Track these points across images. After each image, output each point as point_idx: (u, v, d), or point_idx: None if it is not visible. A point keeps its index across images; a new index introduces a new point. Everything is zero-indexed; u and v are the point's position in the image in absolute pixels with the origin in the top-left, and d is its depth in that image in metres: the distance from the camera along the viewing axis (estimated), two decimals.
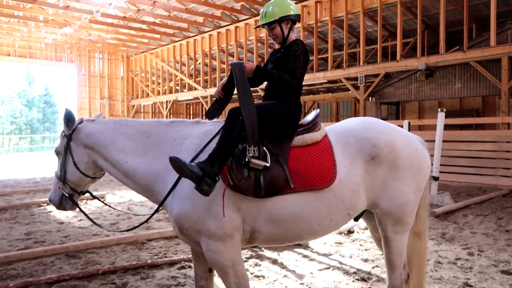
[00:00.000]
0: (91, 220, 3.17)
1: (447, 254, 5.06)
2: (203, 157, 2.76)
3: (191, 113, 29.13)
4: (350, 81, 14.63)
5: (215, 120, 3.07)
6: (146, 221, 3.19)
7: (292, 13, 3.05)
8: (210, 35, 19.47)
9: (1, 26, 19.58)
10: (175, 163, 2.54)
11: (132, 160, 2.92)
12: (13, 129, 45.08)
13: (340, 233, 6.04)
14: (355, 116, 19.72)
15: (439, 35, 12.02)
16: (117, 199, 9.24)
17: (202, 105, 26.18)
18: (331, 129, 3.09)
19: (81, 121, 3.08)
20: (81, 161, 3.00)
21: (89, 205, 8.41)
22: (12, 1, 16.50)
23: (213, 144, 2.79)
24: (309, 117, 3.03)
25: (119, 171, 2.96)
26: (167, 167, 2.79)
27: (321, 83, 16.82)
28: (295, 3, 15.27)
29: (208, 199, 2.66)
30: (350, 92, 14.93)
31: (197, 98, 21.58)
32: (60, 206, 3.05)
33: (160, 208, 2.91)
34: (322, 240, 5.67)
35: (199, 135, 2.91)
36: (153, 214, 3.00)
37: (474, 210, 7.48)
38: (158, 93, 23.71)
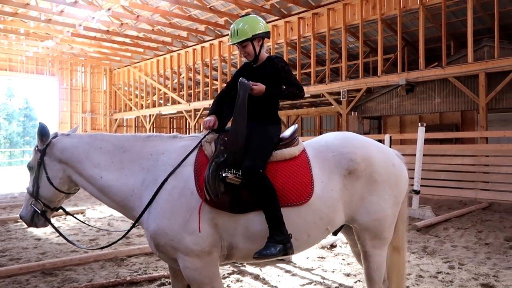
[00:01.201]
0: (63, 237, 3.09)
1: (428, 267, 5.08)
2: (182, 171, 2.74)
3: (175, 127, 28.99)
4: (333, 95, 14.79)
5: (192, 134, 3.06)
6: (121, 238, 3.14)
7: (262, 30, 3.08)
8: (194, 49, 19.52)
9: None
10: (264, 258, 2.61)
11: (107, 176, 2.86)
12: None
13: (322, 248, 6.02)
14: (338, 130, 19.94)
15: (418, 51, 12.29)
16: (97, 214, 9.07)
17: (186, 119, 26.09)
18: (309, 143, 3.09)
19: (55, 136, 3.01)
20: (55, 176, 2.92)
21: (68, 221, 8.22)
22: None
23: (190, 159, 2.77)
24: (288, 132, 3.04)
25: (94, 187, 2.90)
26: (143, 183, 2.76)
27: (304, 98, 16.94)
28: (279, 19, 15.59)
29: (184, 215, 2.63)
30: (333, 106, 15.08)
31: (181, 112, 21.50)
32: (32, 223, 2.96)
33: (136, 224, 2.86)
34: (305, 254, 5.64)
35: (176, 150, 2.88)
36: (128, 231, 2.95)
37: (454, 223, 7.56)
38: (141, 107, 23.56)
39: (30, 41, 19.58)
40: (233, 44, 3.13)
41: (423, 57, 12.06)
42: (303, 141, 3.11)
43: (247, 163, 2.68)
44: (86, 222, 3.37)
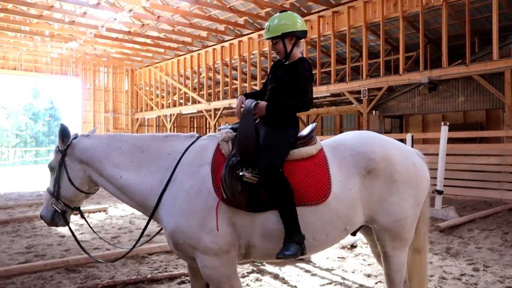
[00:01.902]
0: (77, 241, 3.15)
1: (451, 269, 4.98)
2: (199, 170, 2.76)
3: (195, 126, 29.22)
4: (353, 94, 14.65)
5: (210, 134, 3.07)
6: (133, 247, 3.06)
7: (296, 29, 3.02)
8: (214, 49, 19.63)
9: (7, 41, 19.84)
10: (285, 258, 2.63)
11: (126, 175, 2.90)
12: (18, 142, 45.33)
13: (343, 248, 5.97)
14: (358, 130, 19.72)
15: (441, 49, 12.05)
16: (119, 212, 9.21)
17: (206, 118, 26.27)
18: (326, 143, 3.07)
19: (75, 136, 3.06)
20: (76, 177, 2.97)
21: (91, 219, 8.38)
22: (19, 17, 16.76)
23: (207, 158, 2.79)
24: (305, 131, 3.02)
25: (114, 186, 2.95)
26: (161, 182, 2.79)
27: (324, 97, 16.85)
28: None
29: (202, 214, 2.65)
30: (353, 105, 14.93)
31: (201, 112, 21.67)
32: (52, 222, 3.02)
33: (156, 225, 2.90)
34: (325, 254, 5.61)
35: (193, 149, 2.90)
36: (141, 234, 2.99)
37: (479, 224, 7.39)
38: (162, 107, 23.84)
39: (54, 43, 20.06)
40: (265, 39, 3.12)
41: (446, 54, 11.82)
42: (322, 140, 3.09)
43: (265, 162, 2.68)
44: (92, 229, 3.41)
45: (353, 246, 6.06)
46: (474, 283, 4.48)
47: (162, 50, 21.30)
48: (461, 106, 12.48)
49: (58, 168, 2.99)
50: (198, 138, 3.02)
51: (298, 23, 3.04)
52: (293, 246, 2.58)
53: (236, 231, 2.69)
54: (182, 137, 3.04)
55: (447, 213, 7.89)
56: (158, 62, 23.53)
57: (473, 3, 12.03)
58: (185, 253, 2.77)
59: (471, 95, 12.14)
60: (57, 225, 3.05)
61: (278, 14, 3.12)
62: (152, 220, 2.91)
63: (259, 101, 2.93)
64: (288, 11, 3.14)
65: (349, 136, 3.08)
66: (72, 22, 16.96)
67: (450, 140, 9.51)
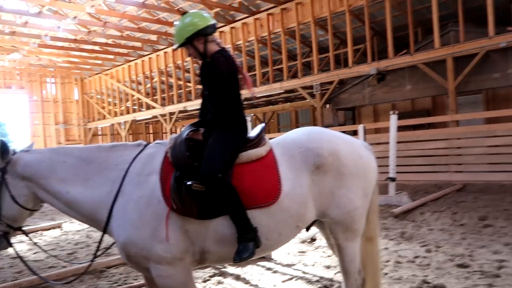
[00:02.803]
0: (24, 263, 3.05)
1: (406, 253, 5.18)
2: (147, 180, 2.71)
3: (151, 132, 28.70)
4: (306, 89, 14.87)
5: (157, 141, 3.02)
6: (90, 264, 3.00)
7: (199, 28, 2.92)
8: (165, 52, 19.35)
9: None
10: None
11: (73, 190, 2.81)
12: None
13: (303, 242, 6.06)
14: (314, 124, 20.05)
15: (387, 40, 12.47)
16: (75, 227, 8.90)
17: (162, 124, 25.87)
18: (276, 141, 3.08)
19: (13, 152, 2.92)
20: (20, 194, 2.84)
21: (45, 236, 8.06)
22: None
23: (156, 168, 2.75)
24: (254, 132, 3.02)
25: (61, 202, 2.85)
26: (109, 194, 2.73)
27: (279, 94, 17.01)
28: (248, 17, 15.57)
29: (153, 224, 2.62)
30: (307, 100, 15.17)
31: (156, 117, 21.32)
32: None
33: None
34: (285, 250, 5.67)
35: (141, 159, 2.85)
36: (97, 250, 2.90)
37: (430, 207, 7.71)
38: (116, 114, 23.24)
39: None
40: (177, 48, 3.07)
41: (391, 45, 12.25)
42: (271, 139, 3.12)
43: (204, 169, 2.67)
44: (38, 245, 3.29)
45: (313, 240, 6.17)
46: (427, 264, 4.68)
47: (111, 56, 20.76)
48: (408, 94, 12.97)
49: None
50: (145, 146, 2.96)
51: (200, 21, 2.94)
52: (248, 244, 2.61)
53: (189, 238, 2.67)
54: (129, 146, 2.98)
55: (401, 198, 8.18)
56: (109, 69, 22.91)
57: None
58: (139, 264, 2.73)
59: (417, 83, 12.63)
60: None
61: (178, 20, 3.04)
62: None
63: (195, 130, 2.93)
64: (188, 12, 3.02)
65: (297, 134, 3.11)
66: (13, 33, 16.21)
67: (400, 128, 9.87)
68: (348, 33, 13.18)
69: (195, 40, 2.96)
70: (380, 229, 6.30)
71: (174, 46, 3.07)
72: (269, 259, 5.35)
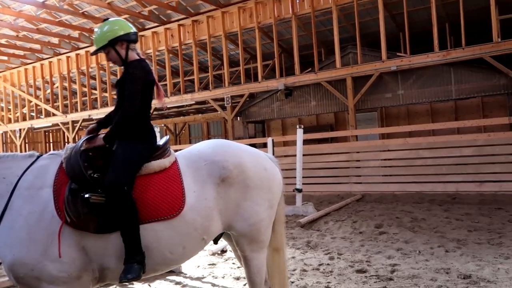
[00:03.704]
0: None
1: (311, 261, 5.42)
2: (39, 194, 2.53)
3: (51, 140, 26.63)
4: (218, 101, 15.00)
5: (52, 152, 2.83)
6: None
7: (124, 32, 2.91)
8: (68, 57, 18.19)
9: None
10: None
11: None
12: None
13: (213, 254, 6.04)
14: (225, 136, 20.23)
15: (294, 57, 13.12)
16: None
17: (64, 132, 24.15)
18: (181, 153, 3.06)
19: None
20: None
21: None
22: None
23: (49, 180, 2.58)
24: (159, 143, 2.98)
25: None
26: None
27: (190, 105, 16.93)
28: (158, 26, 15.31)
29: (45, 241, 2.44)
30: (218, 112, 15.30)
31: (57, 125, 19.86)
32: None
33: None
34: (195, 263, 5.61)
35: (32, 171, 2.64)
36: None
37: (333, 216, 8.18)
38: (10, 121, 21.19)
39: None
40: (95, 52, 2.97)
41: (298, 63, 12.92)
42: (178, 151, 3.09)
43: (109, 179, 2.58)
44: None
45: (223, 251, 6.18)
46: (330, 271, 4.95)
47: (5, 58, 18.94)
48: (313, 110, 13.73)
49: None
50: (38, 157, 2.75)
51: (125, 26, 2.95)
52: (135, 266, 2.52)
53: (87, 255, 2.52)
54: (19, 157, 2.74)
55: (307, 209, 8.57)
56: (1, 71, 20.85)
57: (317, 17, 13.36)
58: (30, 286, 2.50)
59: (321, 100, 13.44)
60: None
61: (101, 23, 3.00)
62: None
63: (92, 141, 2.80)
64: (112, 18, 3.03)
65: (203, 146, 3.11)
66: None
67: (306, 142, 10.39)
68: (258, 49, 13.63)
69: (118, 45, 2.91)
70: (288, 239, 6.54)
71: (94, 48, 2.94)
72: (178, 272, 5.25)
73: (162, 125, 21.79)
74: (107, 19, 3.03)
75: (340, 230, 7.09)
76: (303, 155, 9.13)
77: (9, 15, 14.57)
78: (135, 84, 2.83)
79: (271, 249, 3.20)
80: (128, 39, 2.93)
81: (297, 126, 9.12)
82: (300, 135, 8.93)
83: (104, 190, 2.54)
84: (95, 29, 2.97)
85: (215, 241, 3.12)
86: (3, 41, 17.15)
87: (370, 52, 12.68)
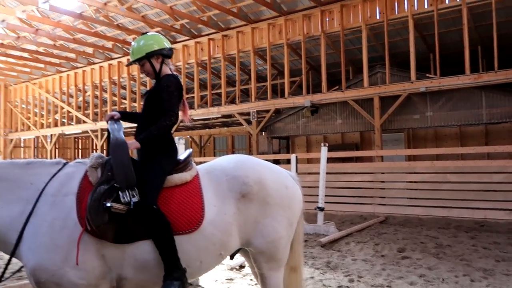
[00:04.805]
0: None
1: (330, 282, 5.32)
2: (63, 201, 2.58)
3: (80, 147, 27.31)
4: (243, 116, 15.10)
5: (78, 160, 2.90)
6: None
7: (161, 47, 3.03)
8: (101, 66, 18.74)
9: None
10: None
11: None
12: None
13: (231, 269, 6.02)
14: (249, 150, 20.28)
15: (321, 75, 13.11)
16: None
17: (92, 139, 24.75)
18: (203, 167, 3.09)
19: None
20: None
21: None
22: None
23: (73, 188, 2.62)
24: (181, 157, 3.01)
25: None
26: (21, 215, 2.54)
27: (216, 118, 17.08)
28: (189, 39, 15.63)
29: (67, 248, 2.47)
30: (244, 126, 15.37)
31: (86, 132, 20.37)
32: None
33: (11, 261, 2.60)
34: (213, 277, 5.59)
35: (58, 178, 2.70)
36: (5, 270, 2.66)
37: (355, 237, 8.04)
38: (42, 126, 21.87)
39: None
40: (131, 63, 3.07)
41: (325, 80, 12.90)
42: (200, 164, 3.12)
43: (139, 199, 2.61)
44: None
45: (241, 267, 6.15)
46: None
47: (42, 65, 19.67)
48: (339, 128, 13.62)
49: None
50: (64, 165, 2.82)
51: (162, 42, 3.06)
52: (174, 284, 2.53)
53: (106, 264, 2.55)
54: (47, 164, 2.81)
55: (328, 228, 8.45)
56: (37, 78, 21.64)
57: (346, 35, 13.35)
58: None
59: (347, 118, 13.33)
60: None
61: (140, 36, 3.11)
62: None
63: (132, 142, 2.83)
64: (150, 33, 3.15)
65: (225, 161, 3.12)
66: None
67: (330, 160, 10.30)
68: (286, 65, 13.70)
69: (153, 58, 3.02)
70: (307, 258, 6.45)
71: (131, 59, 3.05)
72: (196, 286, 5.24)
73: (188, 136, 22.05)
74: (145, 33, 3.15)
75: (361, 252, 6.95)
76: (327, 173, 9.05)
77: (48, 25, 15.17)
78: (173, 96, 2.93)
79: (288, 267, 3.17)
80: (164, 54, 3.05)
81: (322, 144, 9.06)
82: (324, 153, 8.86)
83: (135, 209, 2.57)
84: (133, 42, 3.07)
85: (231, 257, 3.11)
86: (41, 49, 17.84)
87: (398, 72, 12.55)
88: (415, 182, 10.57)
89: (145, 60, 3.02)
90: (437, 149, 12.88)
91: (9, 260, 2.61)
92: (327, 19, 13.06)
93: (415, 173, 10.67)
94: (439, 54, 11.47)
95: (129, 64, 3.16)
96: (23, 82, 22.43)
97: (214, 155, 22.08)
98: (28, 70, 20.46)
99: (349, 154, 13.28)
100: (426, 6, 11.52)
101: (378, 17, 12.27)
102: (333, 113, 13.54)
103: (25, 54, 18.16)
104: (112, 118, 2.97)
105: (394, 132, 14.68)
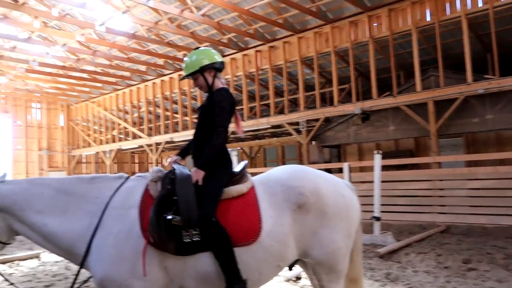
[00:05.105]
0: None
1: None
2: (127, 214, 2.69)
3: (137, 161, 28.42)
4: (293, 125, 15.08)
5: (139, 174, 3.02)
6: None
7: (213, 61, 3.10)
8: (154, 83, 19.49)
9: None
10: None
11: (51, 222, 2.74)
12: None
13: (288, 280, 5.99)
14: (300, 160, 20.17)
15: (371, 81, 12.85)
16: (54, 258, 8.62)
17: (147, 154, 25.69)
18: (258, 179, 3.10)
19: None
20: None
21: (22, 267, 7.78)
22: None
23: (135, 201, 2.73)
24: (237, 168, 3.05)
25: (37, 235, 2.78)
26: (89, 228, 2.68)
27: (265, 128, 17.17)
28: (236, 52, 15.91)
29: (132, 259, 2.57)
30: (293, 136, 15.34)
31: (142, 146, 21.19)
32: None
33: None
34: None
35: (121, 192, 2.83)
36: (75, 280, 2.81)
37: (415, 248, 7.74)
38: (101, 142, 23.03)
39: None
40: (185, 78, 3.16)
41: (375, 86, 12.63)
42: (255, 176, 3.15)
43: (199, 212, 2.66)
44: (6, 277, 3.17)
45: (298, 278, 6.10)
46: None
47: (99, 84, 20.79)
48: (392, 135, 13.24)
49: None
50: (126, 179, 2.94)
51: (214, 56, 3.13)
52: None
53: (169, 275, 2.62)
54: (110, 178, 2.95)
55: (386, 238, 8.20)
56: (96, 97, 22.89)
57: (396, 39, 13.02)
58: None
59: (400, 124, 12.94)
60: None
61: (193, 51, 3.19)
62: None
63: (189, 170, 2.91)
64: (202, 48, 3.23)
65: (280, 171, 3.13)
66: (0, 56, 16.15)
67: (384, 168, 10.01)
68: (334, 73, 13.56)
69: (207, 72, 3.10)
70: (366, 269, 6.29)
71: (185, 73, 3.15)
72: None
73: (238, 148, 22.32)
74: (197, 47, 3.24)
75: (422, 263, 6.68)
76: (381, 181, 8.82)
77: (104, 46, 16.04)
78: (226, 112, 2.99)
79: (348, 279, 3.11)
80: (216, 67, 3.13)
81: (375, 152, 8.87)
82: (378, 160, 8.66)
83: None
84: (185, 58, 3.17)
85: (290, 267, 3.10)
86: (98, 69, 18.87)
87: (453, 74, 12.01)
88: (477, 189, 10.02)
89: (198, 74, 3.10)
90: (500, 154, 12.16)
91: (79, 271, 2.77)
92: (375, 24, 12.82)
93: (476, 179, 10.12)
94: (497, 53, 10.88)
95: (183, 78, 3.25)
96: (83, 101, 23.78)
97: (265, 166, 22.17)
98: (87, 89, 21.69)
99: (404, 161, 12.83)
100: (480, 5, 11.02)
101: (428, 19, 11.88)
102: (385, 119, 13.19)
103: (84, 75, 19.28)
104: (175, 162, 3.10)
105: (451, 137, 14.04)
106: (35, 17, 13.46)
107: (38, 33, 14.80)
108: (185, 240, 2.58)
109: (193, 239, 2.58)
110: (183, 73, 3.18)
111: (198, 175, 2.84)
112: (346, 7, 13.04)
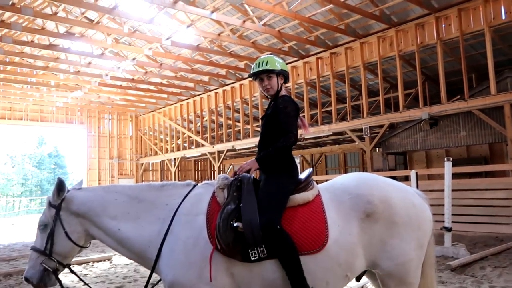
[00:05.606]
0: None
1: None
2: (195, 220, 2.75)
3: (199, 169, 29.28)
4: (355, 132, 14.74)
5: (205, 182, 3.07)
6: None
7: (287, 69, 3.17)
8: (216, 93, 20.01)
9: (14, 93, 20.34)
10: None
11: (124, 227, 2.87)
12: (24, 191, 45.31)
13: None
14: (363, 167, 19.65)
15: (439, 85, 12.23)
16: (124, 260, 9.07)
17: (210, 161, 26.37)
18: (324, 186, 3.05)
19: (67, 190, 3.03)
20: (73, 231, 2.92)
21: (95, 268, 8.25)
22: (26, 69, 17.27)
23: (203, 208, 2.78)
24: (302, 176, 3.01)
25: (112, 239, 2.91)
26: (159, 233, 2.77)
27: (327, 136, 16.95)
28: (297, 60, 15.90)
29: (200, 265, 2.62)
30: (356, 143, 14.99)
31: (205, 154, 21.80)
32: (40, 283, 2.87)
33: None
34: None
35: (190, 199, 2.89)
36: (147, 283, 2.90)
37: (491, 261, 7.20)
38: (166, 151, 24.01)
39: (60, 92, 20.56)
40: (260, 72, 3.07)
41: (444, 90, 11.99)
42: (320, 184, 3.09)
43: (263, 219, 2.65)
44: (82, 279, 3.34)
45: None
46: None
47: (165, 95, 21.75)
48: (463, 141, 12.49)
49: (53, 224, 2.91)
50: (194, 186, 3.01)
51: (286, 66, 3.19)
52: None
53: (235, 282, 2.64)
54: (179, 186, 3.03)
55: (458, 250, 7.72)
56: (162, 108, 23.95)
57: (467, 41, 12.32)
58: None
59: (472, 130, 12.18)
60: (46, 285, 2.90)
61: (267, 55, 3.19)
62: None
63: (247, 165, 2.95)
64: (274, 56, 3.25)
65: (347, 179, 3.05)
66: (77, 72, 17.44)
67: (455, 175, 9.46)
68: (399, 78, 13.08)
69: (281, 76, 3.14)
70: (437, 283, 5.94)
71: (261, 68, 3.07)
72: None
73: (300, 155, 22.22)
74: (271, 53, 3.30)
75: (500, 278, 6.18)
76: (452, 190, 8.32)
77: (170, 59, 16.76)
78: (289, 116, 2.98)
79: None
80: (286, 76, 3.18)
81: (445, 159, 8.39)
82: (448, 168, 8.19)
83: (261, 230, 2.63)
84: (263, 56, 3.19)
85: (358, 279, 3.00)
86: (164, 81, 19.75)
87: None
88: None
89: (275, 74, 3.10)
90: None
91: (150, 275, 2.87)
92: (443, 25, 12.21)
93: None
94: None
95: (258, 71, 3.08)
96: (150, 111, 25.00)
97: (326, 173, 21.85)
98: (154, 100, 22.77)
99: (478, 169, 12.03)
100: None
101: (503, 17, 11.11)
102: (456, 124, 12.48)
103: (152, 87, 20.29)
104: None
105: None
106: (108, 34, 14.39)
107: (110, 49, 15.82)
108: (252, 259, 2.58)
109: (260, 255, 2.59)
110: (255, 68, 3.10)
111: (251, 164, 2.90)
112: (412, 9, 12.57)
